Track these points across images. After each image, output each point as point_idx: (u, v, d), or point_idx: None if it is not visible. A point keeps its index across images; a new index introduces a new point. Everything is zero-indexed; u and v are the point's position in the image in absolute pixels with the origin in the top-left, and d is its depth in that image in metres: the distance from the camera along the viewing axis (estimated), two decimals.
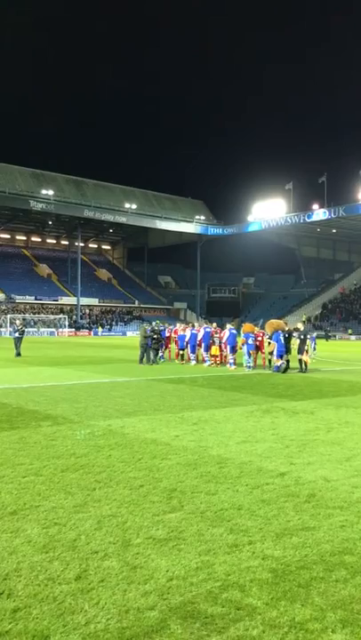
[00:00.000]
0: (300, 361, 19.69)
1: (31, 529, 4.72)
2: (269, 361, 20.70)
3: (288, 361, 20.11)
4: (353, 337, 68.07)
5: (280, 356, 19.54)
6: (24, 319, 35.77)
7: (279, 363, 19.48)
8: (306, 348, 19.92)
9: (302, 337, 19.76)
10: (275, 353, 19.66)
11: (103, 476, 6.33)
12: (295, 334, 20.58)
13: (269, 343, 20.44)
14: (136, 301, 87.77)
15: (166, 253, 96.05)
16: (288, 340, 20.04)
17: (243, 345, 20.69)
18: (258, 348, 21.12)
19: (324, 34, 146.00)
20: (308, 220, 75.16)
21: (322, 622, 3.31)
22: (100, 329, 75.20)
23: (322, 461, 7.08)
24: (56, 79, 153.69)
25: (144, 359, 22.61)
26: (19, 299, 76.76)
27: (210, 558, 4.18)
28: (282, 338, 19.63)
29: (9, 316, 66.59)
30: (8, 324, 65.17)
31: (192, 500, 5.52)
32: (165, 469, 6.62)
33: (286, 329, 21.32)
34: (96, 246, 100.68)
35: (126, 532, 4.69)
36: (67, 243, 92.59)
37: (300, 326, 22.39)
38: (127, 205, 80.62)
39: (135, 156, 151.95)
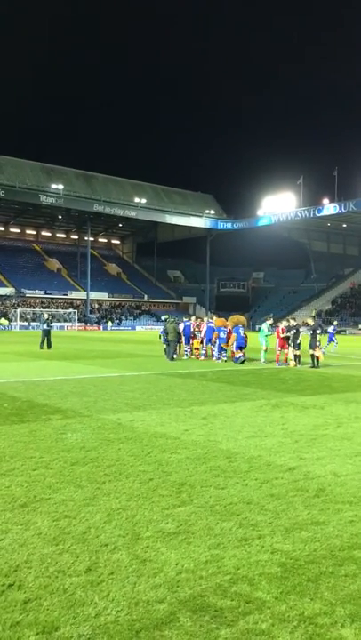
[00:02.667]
0: (311, 356, 19.65)
1: (41, 521, 4.75)
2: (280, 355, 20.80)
3: (299, 356, 20.13)
4: None
5: (239, 348, 20.78)
6: (50, 314, 36.53)
7: (239, 354, 20.68)
8: (318, 342, 19.89)
9: (312, 332, 19.70)
10: (234, 345, 20.97)
11: (113, 469, 6.35)
12: (304, 329, 20.56)
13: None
14: (145, 296, 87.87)
15: (176, 248, 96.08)
16: (297, 335, 19.98)
17: (216, 339, 22.02)
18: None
19: (335, 24, 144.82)
20: (319, 215, 74.83)
21: (331, 617, 3.31)
22: (109, 323, 75.37)
23: (331, 456, 7.07)
24: (67, 74, 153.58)
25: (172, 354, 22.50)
26: (29, 293, 77.09)
27: (219, 552, 4.19)
28: (241, 331, 21.00)
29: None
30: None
31: (201, 493, 5.54)
32: (175, 463, 6.63)
33: (245, 324, 22.86)
34: (106, 241, 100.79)
35: (136, 525, 4.71)
36: (76, 237, 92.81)
37: (310, 321, 22.34)
38: (137, 200, 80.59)
39: (145, 151, 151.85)
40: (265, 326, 21.48)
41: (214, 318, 23.94)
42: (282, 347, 20.50)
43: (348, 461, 6.83)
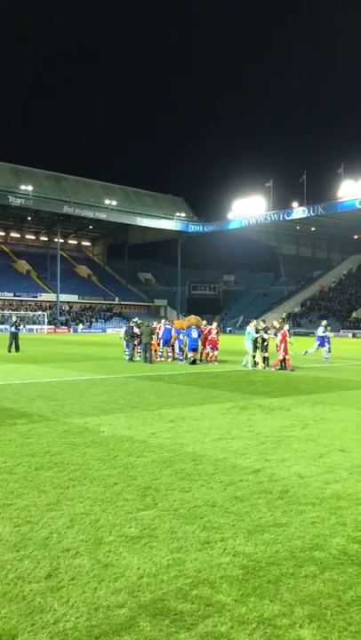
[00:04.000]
0: (282, 360, 19.81)
1: (2, 527, 4.68)
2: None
3: (267, 358, 20.34)
4: (332, 334, 68.63)
5: (192, 350, 21.35)
6: (18, 316, 36.33)
7: (190, 355, 21.36)
8: (265, 344, 20.25)
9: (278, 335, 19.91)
10: (188, 347, 21.58)
11: (77, 474, 6.30)
12: (271, 332, 20.77)
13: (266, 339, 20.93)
14: (116, 298, 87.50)
15: (147, 250, 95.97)
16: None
17: (175, 340, 22.80)
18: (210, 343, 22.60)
19: (307, 35, 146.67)
20: (288, 218, 75.61)
21: (290, 618, 3.34)
22: (79, 326, 74.80)
23: (296, 458, 7.14)
24: (36, 73, 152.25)
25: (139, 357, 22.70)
26: None
27: (181, 555, 4.19)
28: (193, 333, 21.38)
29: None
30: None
31: (166, 497, 5.53)
32: (140, 467, 6.61)
33: (202, 325, 22.86)
34: (76, 242, 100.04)
35: (99, 529, 4.68)
36: (46, 239, 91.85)
37: (276, 324, 22.53)
38: (107, 202, 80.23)
39: (115, 153, 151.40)
40: (251, 329, 20.74)
41: (174, 321, 24.74)
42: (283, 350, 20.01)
43: (313, 463, 6.91)
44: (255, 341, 20.27)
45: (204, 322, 23.74)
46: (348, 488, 5.90)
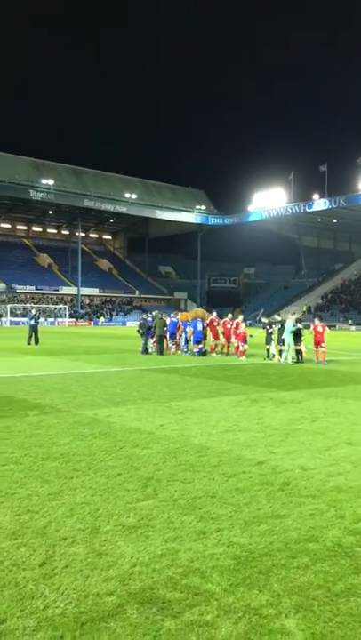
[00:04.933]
0: (296, 352, 19.74)
1: (3, 516, 4.77)
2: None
3: (282, 351, 20.26)
4: (353, 327, 68.01)
5: (197, 342, 21.62)
6: (38, 309, 37.03)
7: (197, 348, 21.61)
8: (302, 337, 19.99)
9: (279, 327, 19.89)
10: (193, 339, 21.89)
11: (82, 464, 6.38)
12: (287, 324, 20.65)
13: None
14: (136, 291, 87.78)
15: (167, 243, 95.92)
16: (281, 330, 20.10)
17: (182, 333, 23.14)
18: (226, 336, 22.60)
19: (325, 23, 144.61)
20: (309, 210, 74.93)
21: (276, 608, 3.35)
22: (101, 319, 75.31)
23: (301, 450, 7.12)
24: (57, 70, 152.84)
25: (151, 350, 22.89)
26: (19, 289, 76.82)
27: (175, 545, 4.23)
28: (199, 325, 21.63)
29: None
30: (7, 314, 65.32)
31: (167, 488, 5.57)
32: (145, 458, 6.66)
33: (209, 317, 23.19)
34: (97, 236, 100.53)
35: (97, 519, 4.74)
36: (67, 232, 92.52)
37: (277, 317, 22.45)
38: (127, 195, 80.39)
39: (136, 146, 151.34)
40: (291, 322, 19.86)
41: (179, 314, 25.08)
42: (317, 344, 19.79)
43: (318, 455, 6.89)
44: (295, 334, 20.02)
45: (213, 314, 23.69)
46: (351, 481, 5.87)
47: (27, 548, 4.14)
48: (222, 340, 22.39)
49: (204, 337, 22.02)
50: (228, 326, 22.11)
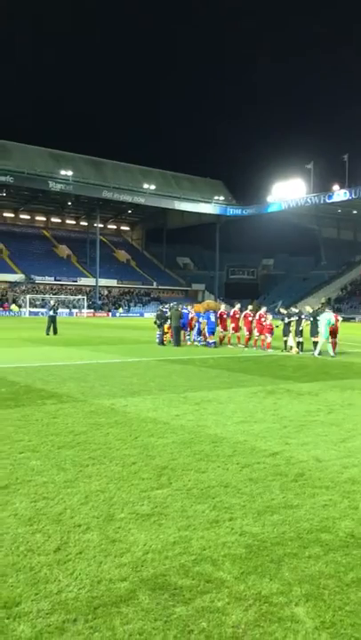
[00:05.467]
0: (314, 343, 19.65)
1: (19, 502, 4.85)
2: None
3: (301, 343, 20.20)
4: None
5: (211, 333, 22.05)
6: (57, 300, 37.45)
7: (211, 340, 21.99)
8: (318, 329, 19.84)
9: (313, 319, 19.68)
10: (206, 330, 22.22)
11: (98, 453, 6.45)
12: (304, 317, 20.55)
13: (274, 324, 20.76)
14: (154, 283, 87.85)
15: (185, 234, 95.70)
16: (299, 322, 20.03)
17: (195, 323, 23.42)
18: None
19: (347, 12, 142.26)
20: (329, 201, 74.13)
21: (287, 596, 3.38)
22: (120, 310, 75.66)
23: (317, 442, 7.12)
24: (74, 60, 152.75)
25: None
26: (38, 279, 77.33)
27: (188, 533, 4.27)
28: (212, 316, 22.11)
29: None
30: (22, 304, 65.89)
31: (181, 477, 5.62)
32: (160, 447, 6.72)
33: (220, 309, 23.58)
34: (115, 227, 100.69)
35: (112, 507, 4.80)
36: (86, 224, 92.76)
37: (309, 309, 22.20)
38: (146, 186, 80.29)
39: (154, 136, 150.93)
40: (328, 315, 19.20)
41: (189, 306, 25.68)
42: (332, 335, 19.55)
43: (333, 447, 6.88)
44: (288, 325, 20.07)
45: (237, 306, 23.69)
46: None
47: (42, 534, 4.22)
48: (245, 331, 22.18)
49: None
50: (250, 318, 21.88)
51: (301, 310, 21.56)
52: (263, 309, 22.12)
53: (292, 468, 5.99)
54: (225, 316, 23.09)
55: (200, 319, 23.01)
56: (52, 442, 6.91)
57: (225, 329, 23.08)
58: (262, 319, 21.26)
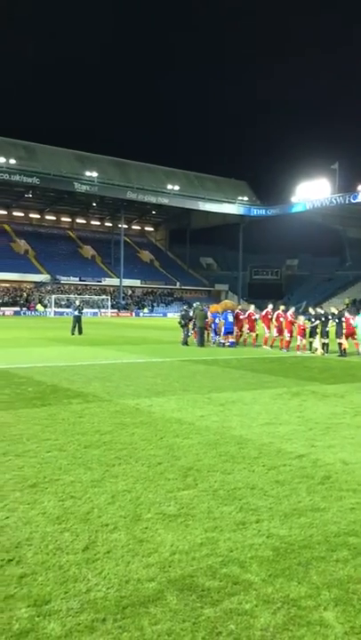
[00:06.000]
0: (339, 345, 19.49)
1: (47, 501, 4.91)
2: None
3: (326, 344, 20.03)
4: None
5: (228, 333, 22.18)
6: (82, 300, 37.88)
7: (231, 340, 22.21)
8: (343, 331, 19.67)
9: (338, 320, 19.51)
10: (222, 330, 22.32)
11: (124, 452, 6.49)
12: (330, 318, 20.37)
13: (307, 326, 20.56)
14: (177, 283, 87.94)
15: (208, 235, 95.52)
16: (325, 323, 19.85)
17: (211, 324, 23.46)
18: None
19: None
20: (354, 201, 73.35)
21: (315, 600, 3.36)
22: (144, 309, 75.95)
23: (343, 444, 7.05)
24: (98, 65, 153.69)
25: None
26: (63, 280, 78.01)
27: (215, 535, 4.27)
28: (230, 317, 22.20)
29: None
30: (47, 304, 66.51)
31: (207, 478, 5.62)
32: (185, 448, 6.73)
33: (237, 309, 23.73)
34: (139, 228, 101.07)
35: (138, 506, 4.83)
36: (110, 224, 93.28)
37: (334, 310, 22.00)
38: (170, 187, 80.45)
39: (178, 137, 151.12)
40: None
41: (207, 306, 25.80)
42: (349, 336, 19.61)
43: (360, 450, 6.81)
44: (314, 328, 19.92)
45: (270, 306, 23.32)
46: None
47: (70, 533, 4.26)
48: (274, 332, 21.87)
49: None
50: (282, 319, 21.53)
51: (326, 311, 21.35)
52: (292, 310, 22.07)
53: (319, 470, 5.95)
54: (241, 317, 23.25)
55: (217, 319, 23.10)
56: (78, 441, 6.96)
57: (241, 329, 23.21)
58: (293, 320, 21.19)
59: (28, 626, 3.07)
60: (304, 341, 20.92)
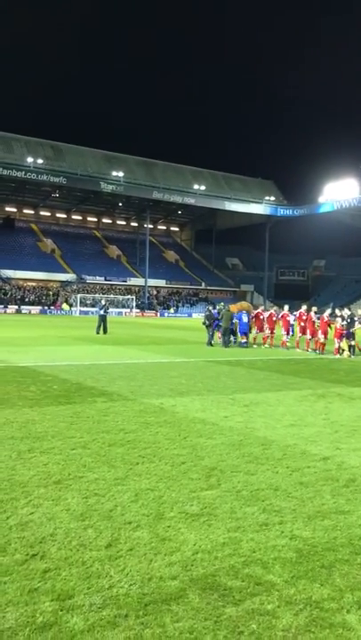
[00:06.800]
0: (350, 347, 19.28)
1: (72, 498, 4.96)
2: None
3: (353, 347, 19.82)
4: None
5: (244, 334, 22.41)
6: (107, 300, 38.17)
7: (243, 340, 22.43)
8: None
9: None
10: (239, 331, 22.62)
11: (148, 451, 6.52)
12: (357, 320, 20.16)
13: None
14: (203, 283, 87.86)
15: (234, 235, 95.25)
16: (351, 325, 19.65)
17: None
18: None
19: None
20: None
21: (338, 602, 3.34)
22: (171, 309, 76.13)
23: None
24: (124, 65, 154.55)
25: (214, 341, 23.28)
26: (89, 279, 78.61)
27: (238, 535, 4.27)
28: (244, 317, 22.42)
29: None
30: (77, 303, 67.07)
31: (230, 478, 5.61)
32: (209, 448, 6.73)
33: (257, 310, 23.87)
34: (165, 228, 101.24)
35: (161, 505, 4.85)
36: (136, 224, 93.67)
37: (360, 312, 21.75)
38: (196, 187, 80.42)
39: (205, 137, 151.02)
40: None
41: (231, 305, 25.55)
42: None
43: None
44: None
45: (303, 307, 22.94)
46: None
47: (93, 530, 4.30)
48: (308, 335, 21.43)
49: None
50: (313, 320, 21.12)
51: (354, 313, 21.13)
52: (327, 312, 21.94)
53: (344, 473, 5.89)
54: (261, 317, 23.25)
55: (233, 320, 23.15)
56: (102, 439, 7.02)
57: (261, 330, 23.17)
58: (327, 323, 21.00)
59: (52, 619, 3.11)
60: (341, 344, 20.46)
